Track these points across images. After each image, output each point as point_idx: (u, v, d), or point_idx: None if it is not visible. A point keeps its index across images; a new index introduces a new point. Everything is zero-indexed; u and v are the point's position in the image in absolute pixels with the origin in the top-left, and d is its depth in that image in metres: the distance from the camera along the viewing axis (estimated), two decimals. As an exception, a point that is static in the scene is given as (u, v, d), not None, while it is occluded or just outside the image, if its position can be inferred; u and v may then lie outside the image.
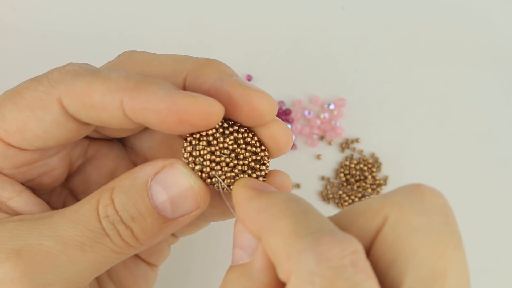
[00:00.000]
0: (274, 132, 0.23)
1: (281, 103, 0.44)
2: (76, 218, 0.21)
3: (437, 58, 0.46)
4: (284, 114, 0.43)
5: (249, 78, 0.44)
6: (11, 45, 0.44)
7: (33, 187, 0.25)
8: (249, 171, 0.23)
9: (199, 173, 0.22)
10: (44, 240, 0.20)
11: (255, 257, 0.20)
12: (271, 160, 0.24)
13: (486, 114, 0.44)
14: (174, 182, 0.22)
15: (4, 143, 0.23)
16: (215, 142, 0.22)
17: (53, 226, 0.21)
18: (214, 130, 0.22)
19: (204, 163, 0.22)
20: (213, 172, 0.22)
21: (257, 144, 0.23)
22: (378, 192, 0.42)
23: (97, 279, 0.26)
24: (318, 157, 0.43)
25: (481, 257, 0.41)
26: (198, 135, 0.22)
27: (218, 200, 0.25)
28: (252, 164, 0.23)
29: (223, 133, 0.23)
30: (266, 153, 0.24)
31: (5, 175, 0.24)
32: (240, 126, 0.23)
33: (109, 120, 0.22)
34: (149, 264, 0.29)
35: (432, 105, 0.44)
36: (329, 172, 0.43)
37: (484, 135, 0.44)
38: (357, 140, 0.43)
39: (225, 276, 0.21)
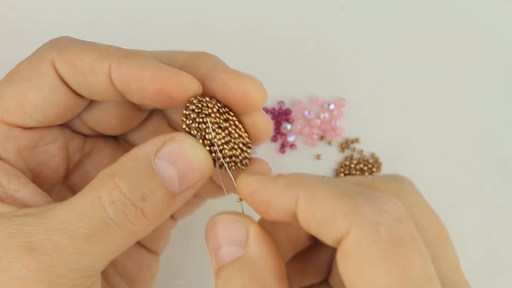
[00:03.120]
0: (257, 121, 0.25)
1: (281, 103, 0.44)
2: (79, 210, 0.21)
3: (437, 58, 0.46)
4: (284, 114, 0.43)
5: (249, 78, 0.44)
6: (11, 45, 0.44)
7: (34, 181, 0.25)
8: (239, 150, 0.24)
9: (201, 140, 0.23)
10: (52, 234, 0.21)
11: (250, 246, 0.21)
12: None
13: (486, 114, 0.44)
14: (181, 155, 0.22)
15: (6, 124, 0.24)
16: (213, 115, 0.23)
17: (58, 220, 0.21)
18: (212, 105, 0.23)
19: (206, 130, 0.23)
20: (216, 140, 0.23)
21: (243, 129, 0.25)
22: (378, 192, 0.42)
23: (103, 273, 0.26)
24: (318, 157, 0.43)
25: (481, 257, 0.41)
26: (200, 105, 0.23)
27: (211, 177, 0.27)
28: (241, 145, 0.24)
29: (218, 111, 0.24)
30: (249, 140, 0.25)
31: (8, 163, 0.24)
32: (230, 110, 0.24)
33: (95, 86, 0.23)
34: (151, 252, 0.29)
35: (432, 105, 0.44)
36: (329, 172, 0.43)
37: (484, 135, 0.44)
38: (357, 140, 0.43)
39: (223, 275, 0.21)
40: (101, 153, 0.28)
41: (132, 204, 0.21)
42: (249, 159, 0.25)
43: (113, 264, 0.27)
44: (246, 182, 0.22)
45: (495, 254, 0.41)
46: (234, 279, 0.20)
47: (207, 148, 0.23)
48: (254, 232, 0.21)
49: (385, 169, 0.43)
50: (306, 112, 0.43)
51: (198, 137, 0.23)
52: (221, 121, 0.23)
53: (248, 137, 0.25)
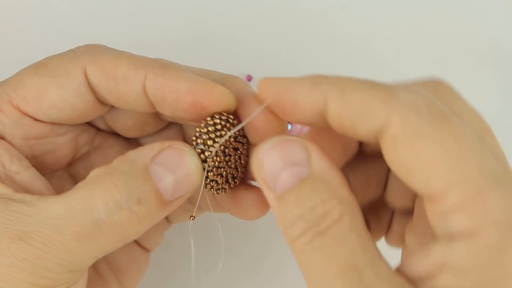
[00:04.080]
0: None
1: (281, 103, 0.44)
2: (72, 206, 0.21)
3: (436, 58, 0.46)
4: (284, 114, 0.43)
5: (249, 78, 0.44)
6: (11, 45, 0.44)
7: (36, 166, 0.25)
8: (223, 180, 0.24)
9: (199, 152, 0.23)
10: (43, 227, 0.20)
11: (315, 163, 0.20)
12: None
13: (486, 114, 0.44)
14: (180, 163, 0.22)
15: (19, 111, 0.24)
16: (223, 133, 0.23)
17: (49, 213, 0.21)
18: (226, 124, 0.23)
19: (211, 148, 0.23)
20: (209, 160, 0.23)
21: (244, 164, 0.25)
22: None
23: None
24: (318, 157, 0.43)
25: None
26: (224, 123, 0.23)
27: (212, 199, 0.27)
28: (229, 176, 0.24)
29: (236, 138, 0.24)
30: (242, 176, 0.25)
31: (14, 146, 0.24)
32: (247, 140, 0.24)
33: (126, 95, 0.23)
34: (143, 248, 0.29)
35: (432, 105, 0.44)
36: (329, 172, 0.43)
37: (484, 135, 0.44)
38: (357, 140, 0.43)
39: (295, 197, 0.20)
40: (110, 149, 0.28)
41: (128, 207, 0.21)
42: (226, 190, 0.25)
43: None
44: (269, 82, 0.21)
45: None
46: (311, 197, 0.19)
47: (204, 157, 0.23)
48: (314, 149, 0.20)
49: (385, 169, 0.43)
50: (306, 112, 0.43)
51: (198, 147, 0.23)
52: (231, 148, 0.23)
53: (243, 173, 0.25)
